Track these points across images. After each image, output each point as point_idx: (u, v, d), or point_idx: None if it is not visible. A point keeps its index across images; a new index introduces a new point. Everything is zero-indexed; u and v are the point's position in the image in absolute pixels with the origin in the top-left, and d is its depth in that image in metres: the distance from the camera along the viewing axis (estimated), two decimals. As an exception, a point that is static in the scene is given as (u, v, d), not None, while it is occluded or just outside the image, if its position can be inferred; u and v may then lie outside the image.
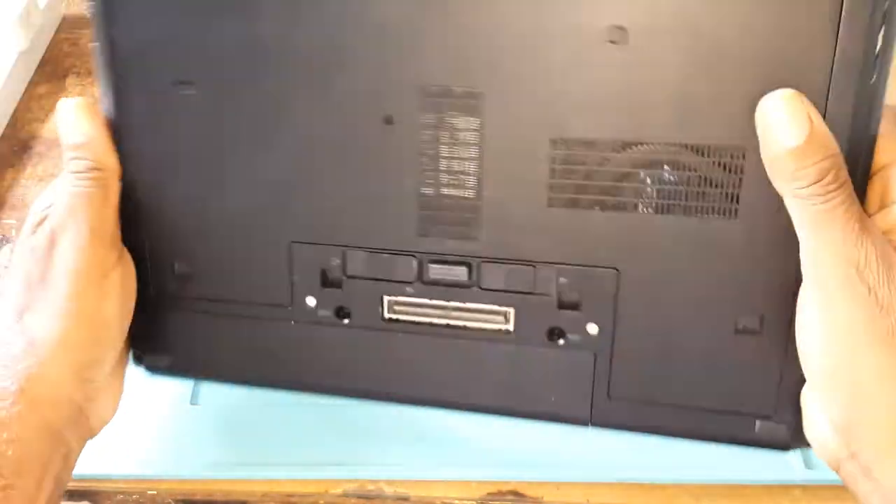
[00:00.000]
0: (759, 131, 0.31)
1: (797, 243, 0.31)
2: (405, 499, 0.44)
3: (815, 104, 0.30)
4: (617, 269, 0.35)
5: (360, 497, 0.44)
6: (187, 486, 0.44)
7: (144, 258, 0.40)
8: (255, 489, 0.44)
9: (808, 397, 0.34)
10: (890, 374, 0.30)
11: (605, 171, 0.34)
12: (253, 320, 0.40)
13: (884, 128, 0.32)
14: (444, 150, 0.35)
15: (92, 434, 0.40)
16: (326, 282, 0.39)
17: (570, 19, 0.32)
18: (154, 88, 0.37)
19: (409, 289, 0.38)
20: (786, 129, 0.30)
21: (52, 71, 0.65)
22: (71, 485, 0.44)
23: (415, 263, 0.37)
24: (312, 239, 0.38)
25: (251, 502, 0.44)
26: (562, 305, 0.37)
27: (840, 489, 0.44)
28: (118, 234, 0.39)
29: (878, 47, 0.30)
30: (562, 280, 0.36)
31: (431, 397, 0.40)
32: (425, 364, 0.39)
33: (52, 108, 0.63)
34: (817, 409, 0.33)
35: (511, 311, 0.37)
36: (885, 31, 0.30)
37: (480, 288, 0.37)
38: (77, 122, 0.38)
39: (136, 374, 0.45)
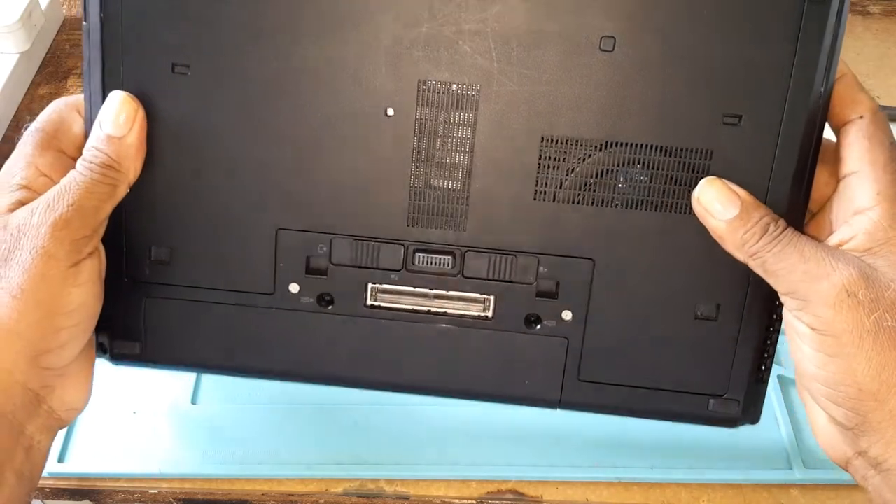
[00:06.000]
0: (701, 216, 0.35)
1: None
2: (405, 498, 0.44)
3: (771, 120, 0.35)
4: (592, 260, 0.38)
5: (360, 496, 0.44)
6: (188, 484, 0.44)
7: (120, 243, 0.40)
8: (255, 488, 0.44)
9: (812, 405, 0.35)
10: (885, 366, 0.31)
11: (586, 167, 0.37)
12: (231, 307, 0.40)
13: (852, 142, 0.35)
14: (438, 143, 0.37)
15: (61, 424, 0.38)
16: (311, 269, 0.40)
17: (568, 26, 0.36)
18: (147, 69, 0.38)
19: (393, 276, 0.39)
20: (724, 203, 0.34)
21: (53, 72, 0.66)
22: (72, 484, 0.45)
23: (401, 252, 0.39)
24: (300, 226, 0.39)
25: (251, 501, 0.44)
26: (540, 294, 0.39)
27: (838, 489, 0.44)
28: (103, 229, 0.37)
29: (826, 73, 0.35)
30: (541, 269, 0.38)
31: (410, 383, 0.41)
32: (405, 350, 0.40)
33: (53, 109, 0.63)
34: (822, 415, 0.34)
35: (491, 298, 0.39)
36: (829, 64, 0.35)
37: (464, 276, 0.39)
38: (119, 115, 0.37)
39: (137, 373, 0.45)
